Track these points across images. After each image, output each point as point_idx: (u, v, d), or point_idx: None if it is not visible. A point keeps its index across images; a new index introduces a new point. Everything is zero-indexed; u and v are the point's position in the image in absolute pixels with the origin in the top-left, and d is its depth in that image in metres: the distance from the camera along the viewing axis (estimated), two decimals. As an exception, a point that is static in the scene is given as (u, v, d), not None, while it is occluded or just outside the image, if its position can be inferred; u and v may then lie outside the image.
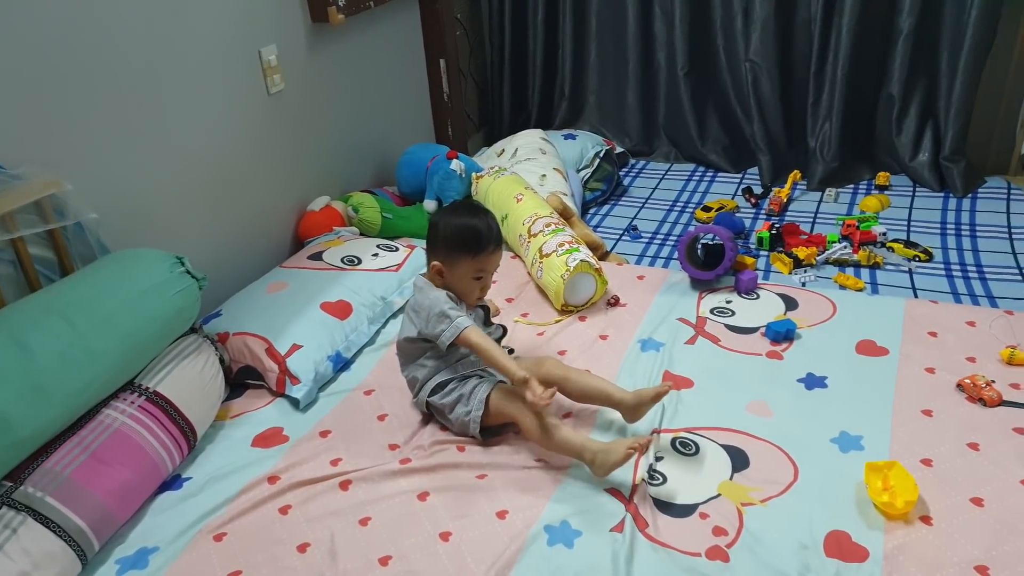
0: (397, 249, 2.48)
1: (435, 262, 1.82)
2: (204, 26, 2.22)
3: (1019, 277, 2.55)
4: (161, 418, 1.71)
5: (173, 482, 1.73)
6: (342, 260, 2.36)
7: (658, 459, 1.70)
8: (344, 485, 1.68)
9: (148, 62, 2.06)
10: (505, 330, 1.97)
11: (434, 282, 1.83)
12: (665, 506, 1.58)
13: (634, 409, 1.76)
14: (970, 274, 2.60)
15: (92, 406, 1.67)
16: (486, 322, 1.92)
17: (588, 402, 1.85)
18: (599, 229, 3.15)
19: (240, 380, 2.04)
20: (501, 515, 1.57)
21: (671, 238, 3.03)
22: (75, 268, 1.87)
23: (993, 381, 1.80)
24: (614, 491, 1.62)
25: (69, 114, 1.88)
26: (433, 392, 1.82)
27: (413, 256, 2.45)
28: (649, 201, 3.37)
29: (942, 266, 2.66)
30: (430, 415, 1.87)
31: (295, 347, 2.01)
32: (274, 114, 2.54)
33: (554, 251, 2.30)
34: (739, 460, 1.68)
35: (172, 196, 2.19)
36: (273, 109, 2.53)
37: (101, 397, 1.69)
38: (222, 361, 1.97)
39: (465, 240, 1.78)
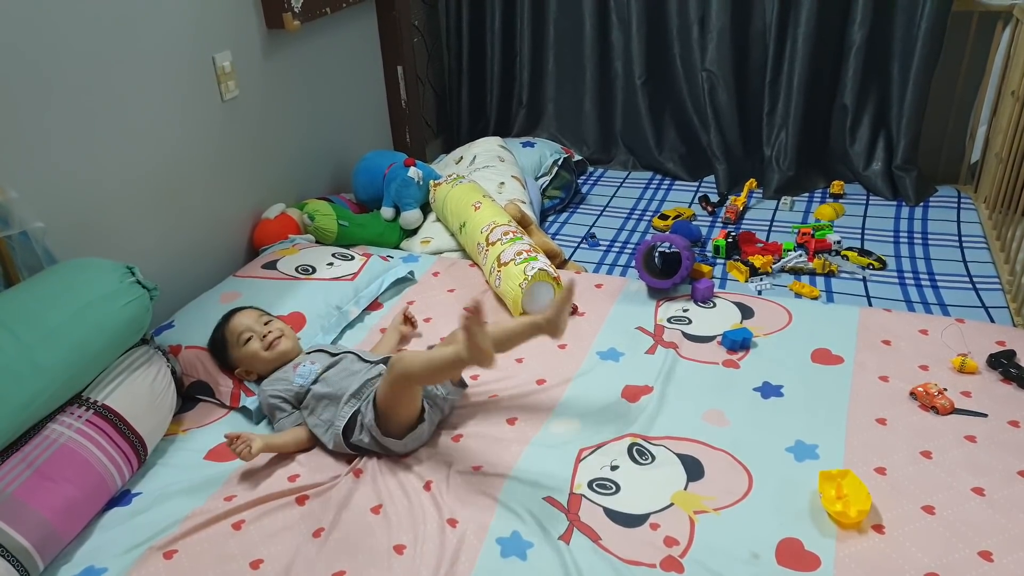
0: (353, 258, 2.45)
1: (237, 370, 1.97)
2: (156, 32, 2.18)
3: (969, 285, 2.60)
4: (110, 432, 1.66)
5: (122, 498, 1.69)
6: (296, 269, 2.33)
7: (613, 468, 1.69)
8: (300, 500, 1.66)
9: (97, 67, 2.01)
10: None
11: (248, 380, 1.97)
12: (616, 515, 1.57)
13: (555, 320, 1.70)
14: (923, 282, 2.65)
15: (37, 421, 1.62)
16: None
17: (512, 344, 1.75)
18: (557, 237, 3.16)
19: (191, 395, 2.00)
20: (452, 523, 1.56)
21: (629, 246, 3.04)
22: (21, 278, 1.82)
23: (945, 389, 1.83)
24: (551, 500, 1.61)
25: (14, 120, 1.83)
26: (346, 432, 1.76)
27: (369, 264, 2.42)
28: (607, 209, 3.38)
29: (895, 274, 2.71)
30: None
31: (249, 359, 1.98)
32: (228, 121, 2.49)
33: (512, 260, 2.30)
34: (694, 470, 1.68)
35: (123, 204, 2.14)
36: (227, 116, 2.49)
37: (47, 412, 1.64)
38: (174, 373, 1.93)
39: (218, 347, 1.98)
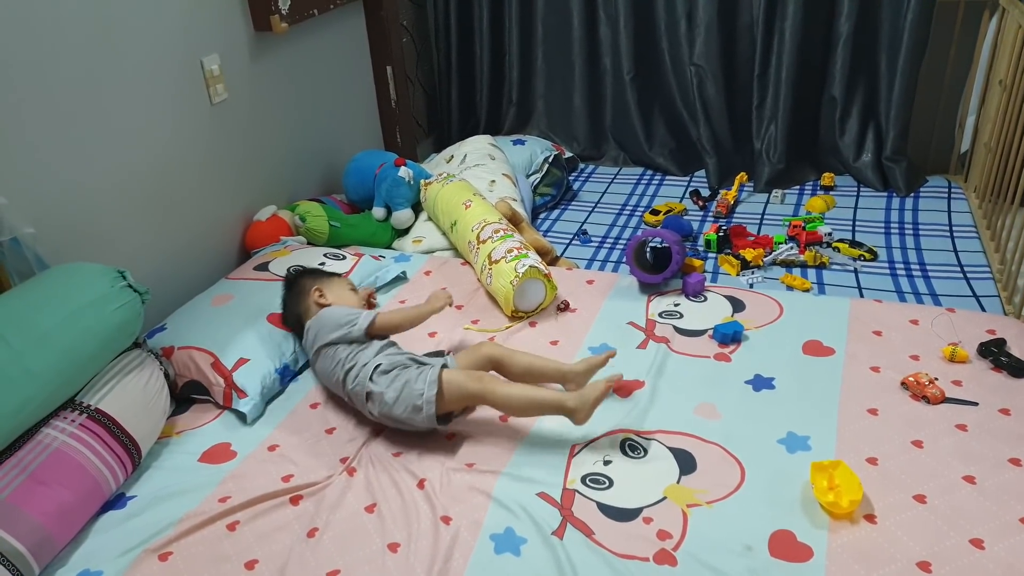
0: (344, 257, 2.45)
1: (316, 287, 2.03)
2: (143, 36, 2.17)
3: (960, 275, 2.61)
4: (103, 436, 1.66)
5: (116, 501, 1.69)
6: (289, 271, 2.32)
7: (606, 463, 1.70)
8: (295, 500, 1.66)
9: (86, 72, 2.01)
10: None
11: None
12: (609, 510, 1.58)
13: (584, 375, 1.79)
14: (913, 272, 2.66)
15: (30, 426, 1.62)
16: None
17: (532, 379, 1.85)
18: (549, 234, 3.16)
19: (185, 395, 2.00)
20: (445, 520, 1.57)
21: (620, 241, 3.05)
22: (12, 284, 1.81)
23: (936, 379, 1.84)
24: (544, 495, 1.62)
25: (2, 125, 1.82)
26: (374, 377, 1.78)
27: (361, 264, 2.43)
28: (598, 205, 3.39)
29: (886, 265, 2.72)
30: (379, 425, 1.85)
31: (242, 360, 1.98)
32: (218, 124, 2.49)
33: (503, 257, 2.30)
34: (686, 463, 1.69)
35: (114, 209, 2.14)
36: (217, 119, 2.48)
37: (40, 416, 1.64)
38: (167, 376, 1.93)
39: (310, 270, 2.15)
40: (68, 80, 1.97)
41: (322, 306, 2.00)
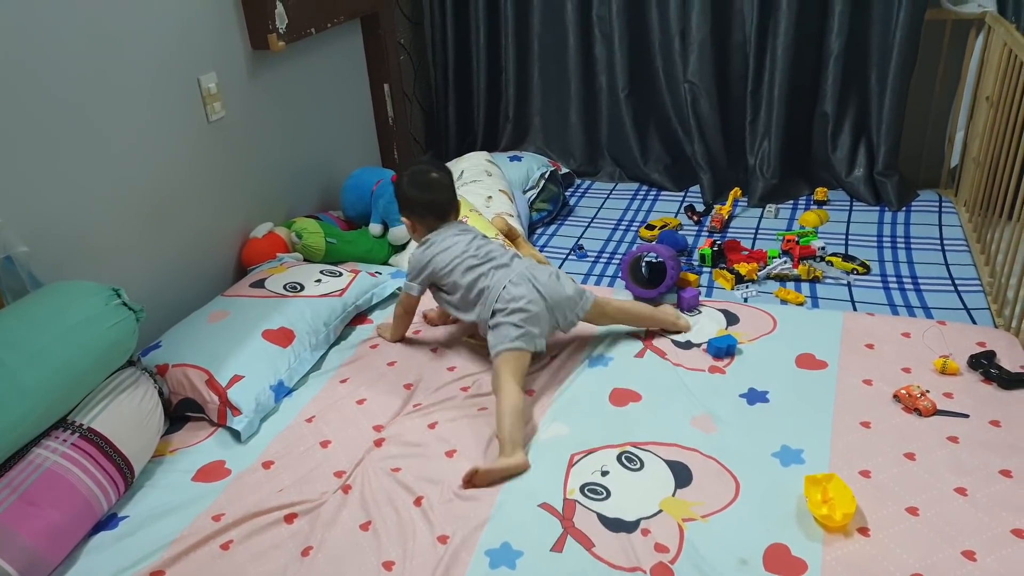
0: (341, 274, 2.46)
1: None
2: (140, 55, 2.19)
3: (951, 288, 2.62)
4: (95, 455, 1.66)
5: (109, 521, 1.68)
6: (284, 287, 2.34)
7: (604, 473, 1.71)
8: (289, 518, 1.66)
9: (82, 89, 2.03)
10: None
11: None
12: (608, 521, 1.58)
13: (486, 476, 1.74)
14: (906, 286, 2.67)
15: (22, 445, 1.62)
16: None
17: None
18: (546, 249, 3.17)
19: (180, 413, 2.00)
20: (442, 540, 1.57)
21: (616, 256, 3.06)
22: (5, 303, 1.82)
23: (928, 391, 1.84)
24: (547, 506, 1.62)
25: (-3, 145, 1.84)
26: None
27: (357, 281, 2.44)
28: (595, 220, 3.40)
29: (879, 278, 2.73)
30: (377, 440, 1.87)
31: (236, 377, 1.98)
32: (215, 142, 2.51)
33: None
34: (682, 476, 1.69)
35: (110, 227, 2.15)
36: (214, 137, 2.50)
37: (33, 435, 1.64)
38: (161, 394, 1.93)
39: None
40: (63, 97, 1.98)
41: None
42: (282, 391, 2.06)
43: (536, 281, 2.03)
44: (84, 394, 1.74)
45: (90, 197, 2.08)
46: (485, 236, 2.21)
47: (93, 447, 1.67)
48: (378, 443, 1.87)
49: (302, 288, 2.35)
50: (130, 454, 1.73)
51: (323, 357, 2.24)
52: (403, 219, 2.21)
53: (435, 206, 2.16)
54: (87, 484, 1.62)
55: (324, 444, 1.88)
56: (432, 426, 1.90)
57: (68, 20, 1.97)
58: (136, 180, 2.22)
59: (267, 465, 1.83)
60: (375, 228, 2.91)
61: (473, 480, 1.69)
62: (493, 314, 2.00)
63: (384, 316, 2.42)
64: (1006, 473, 1.62)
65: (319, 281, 2.39)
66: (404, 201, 2.18)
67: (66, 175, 2.01)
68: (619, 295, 2.43)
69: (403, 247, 2.92)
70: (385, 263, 2.88)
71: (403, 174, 2.18)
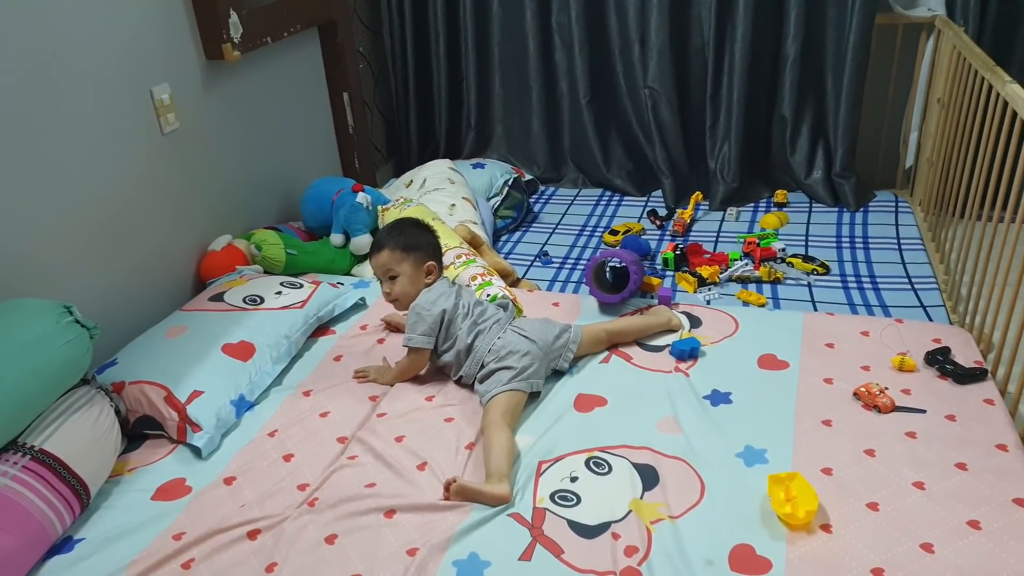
0: (301, 286, 2.43)
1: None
2: (88, 66, 2.15)
3: (908, 286, 2.67)
4: (48, 477, 1.62)
5: (64, 545, 1.64)
6: (244, 300, 2.30)
7: (573, 479, 1.70)
8: (252, 534, 1.63)
9: (28, 103, 1.98)
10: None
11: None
12: (578, 527, 1.58)
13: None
14: (864, 285, 2.71)
15: (-27, 468, 1.58)
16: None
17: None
18: (511, 256, 3.17)
19: (138, 431, 1.96)
20: (411, 552, 1.55)
21: (581, 262, 3.07)
22: (-47, 323, 1.77)
23: (886, 388, 1.87)
24: (517, 516, 1.62)
25: (-59, 161, 1.79)
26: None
27: (318, 292, 2.41)
28: (559, 227, 3.41)
29: (838, 278, 2.77)
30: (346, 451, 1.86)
31: (196, 393, 1.95)
32: (170, 154, 2.47)
33: (467, 284, 2.31)
34: (649, 478, 1.69)
35: (60, 242, 2.10)
36: (168, 149, 2.46)
37: (-17, 458, 1.59)
38: (118, 412, 1.89)
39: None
40: (8, 109, 1.93)
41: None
42: (243, 406, 2.03)
43: (522, 330, 2.03)
44: (36, 415, 1.70)
45: (39, 212, 2.03)
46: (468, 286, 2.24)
47: (46, 469, 1.63)
48: (351, 458, 1.84)
49: (262, 301, 2.32)
50: (85, 475, 1.69)
51: (285, 370, 2.20)
52: (426, 265, 2.09)
53: (440, 248, 2.16)
54: (40, 507, 1.58)
55: (287, 458, 1.85)
56: (399, 439, 1.88)
57: (12, 30, 1.93)
58: (88, 194, 2.18)
59: (229, 481, 1.80)
60: (336, 239, 2.89)
61: (449, 488, 1.67)
62: (482, 366, 1.99)
63: (347, 327, 2.40)
64: (961, 466, 1.64)
65: (280, 293, 2.37)
66: (421, 245, 2.10)
67: (13, 189, 1.96)
68: (586, 300, 2.43)
69: (365, 257, 2.90)
70: (347, 273, 2.86)
71: (400, 228, 2.13)
